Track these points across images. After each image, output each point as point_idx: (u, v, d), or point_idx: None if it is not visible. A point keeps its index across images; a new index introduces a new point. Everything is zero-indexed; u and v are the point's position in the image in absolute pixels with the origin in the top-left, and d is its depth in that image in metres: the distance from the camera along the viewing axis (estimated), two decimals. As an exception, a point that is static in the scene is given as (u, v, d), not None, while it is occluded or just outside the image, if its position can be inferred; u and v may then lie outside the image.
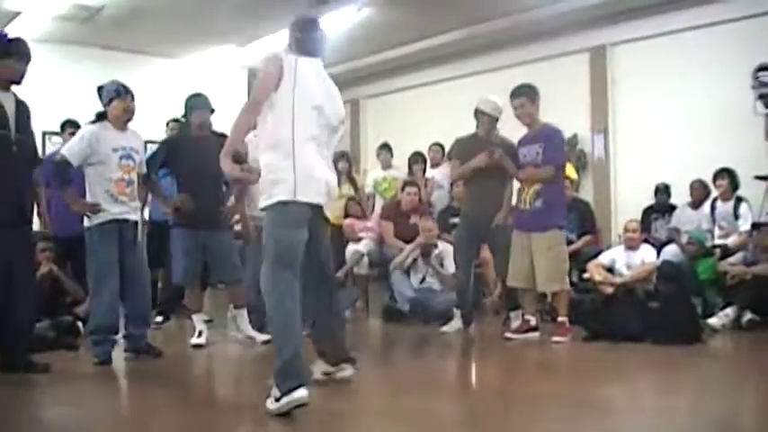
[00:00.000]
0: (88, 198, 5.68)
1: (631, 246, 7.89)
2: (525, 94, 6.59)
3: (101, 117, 5.78)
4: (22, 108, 5.18)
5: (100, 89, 5.82)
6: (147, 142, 7.38)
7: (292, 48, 4.36)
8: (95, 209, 5.58)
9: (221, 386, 5.54)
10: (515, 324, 6.80)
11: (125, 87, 5.76)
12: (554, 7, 9.75)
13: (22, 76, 5.14)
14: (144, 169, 6.01)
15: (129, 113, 5.78)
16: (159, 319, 7.50)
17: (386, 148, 10.44)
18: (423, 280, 8.00)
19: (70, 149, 5.66)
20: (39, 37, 10.72)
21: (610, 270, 7.80)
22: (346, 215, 9.21)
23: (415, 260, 7.99)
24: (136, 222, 5.80)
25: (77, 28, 10.48)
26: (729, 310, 6.97)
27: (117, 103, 5.71)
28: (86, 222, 5.67)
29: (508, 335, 6.60)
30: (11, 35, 5.28)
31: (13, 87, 5.18)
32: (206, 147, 6.33)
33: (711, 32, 9.18)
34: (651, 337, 6.13)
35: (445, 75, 12.13)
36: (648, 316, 6.34)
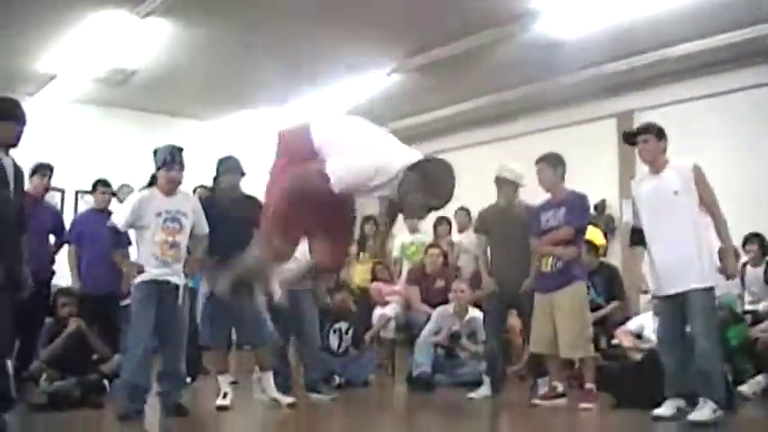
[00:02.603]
0: (136, 259, 5.96)
1: (660, 312, 7.81)
2: (545, 160, 6.62)
3: (153, 180, 6.02)
4: (18, 172, 5.19)
5: (155, 152, 6.02)
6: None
7: None
8: (139, 269, 5.84)
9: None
10: (543, 391, 6.73)
11: (173, 156, 5.94)
12: (581, 74, 9.83)
13: (18, 139, 5.12)
14: (203, 230, 6.17)
15: (173, 184, 5.98)
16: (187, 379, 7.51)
17: (412, 212, 10.46)
18: (451, 350, 7.99)
19: (118, 217, 6.01)
20: (75, 98, 10.99)
21: (638, 336, 7.70)
22: (373, 279, 9.23)
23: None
24: (177, 286, 5.93)
25: (112, 90, 10.68)
26: (761, 377, 6.87)
27: (162, 172, 5.95)
28: (132, 281, 5.93)
29: (535, 401, 6.53)
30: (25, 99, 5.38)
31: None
32: (236, 209, 6.41)
33: (743, 97, 9.20)
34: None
35: (472, 140, 12.17)
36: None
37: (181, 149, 6.03)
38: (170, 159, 5.93)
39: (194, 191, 7.93)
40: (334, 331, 8.17)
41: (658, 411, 5.57)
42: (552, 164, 6.62)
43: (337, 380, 7.78)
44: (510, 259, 6.87)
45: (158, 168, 5.96)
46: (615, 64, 9.61)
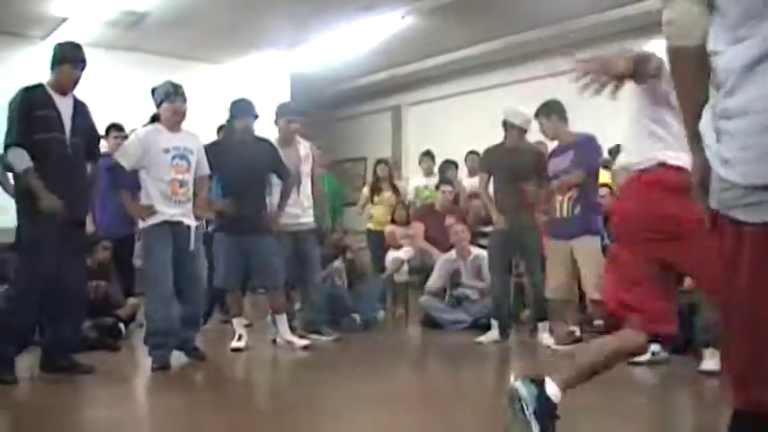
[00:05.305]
0: (143, 200, 5.68)
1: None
2: (538, 114, 6.59)
3: (154, 119, 5.86)
4: (79, 109, 5.19)
5: (153, 90, 5.83)
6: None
7: None
8: (150, 211, 5.60)
9: (257, 390, 5.55)
10: (545, 335, 6.76)
11: (176, 88, 5.75)
12: (592, 17, 9.72)
13: (75, 83, 5.15)
14: (205, 171, 5.97)
15: (178, 116, 5.75)
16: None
17: (428, 155, 10.44)
18: (456, 286, 8.01)
19: (122, 153, 5.74)
20: (86, 42, 10.85)
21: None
22: (392, 221, 9.25)
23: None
24: (189, 227, 5.74)
25: (124, 33, 10.61)
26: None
27: (166, 105, 5.71)
28: (141, 224, 5.72)
29: (554, 346, 6.52)
30: (62, 40, 5.30)
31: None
32: (249, 151, 6.39)
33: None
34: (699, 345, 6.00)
35: (488, 83, 12.10)
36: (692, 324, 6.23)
37: (180, 85, 5.84)
38: (173, 91, 5.73)
39: (218, 130, 7.89)
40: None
41: None
42: (545, 113, 6.54)
43: (358, 319, 7.90)
44: (515, 201, 6.82)
45: (160, 103, 5.75)
46: (632, 6, 9.47)
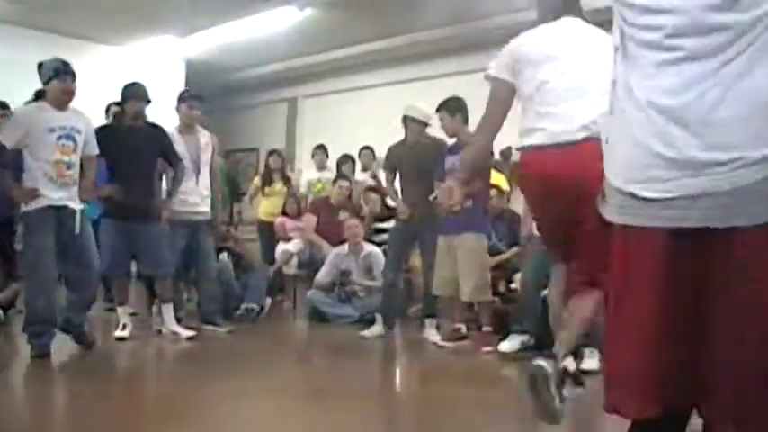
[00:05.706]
0: (27, 182, 5.37)
1: (559, 258, 7.95)
2: (444, 108, 6.67)
3: (39, 96, 5.59)
4: None
5: (40, 66, 5.51)
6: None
7: None
8: (33, 194, 5.30)
9: (137, 381, 5.42)
10: (432, 331, 6.85)
11: (65, 66, 5.45)
12: (497, 19, 9.84)
13: None
14: (93, 151, 5.72)
15: (67, 95, 5.47)
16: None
17: (322, 149, 10.45)
18: (347, 283, 8.04)
19: (3, 132, 5.45)
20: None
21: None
22: (283, 212, 9.21)
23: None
24: (75, 210, 5.47)
25: (11, 6, 10.23)
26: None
27: (55, 83, 5.40)
28: (23, 207, 5.41)
29: (440, 342, 6.60)
30: None
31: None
32: (139, 137, 6.27)
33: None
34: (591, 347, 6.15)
35: (385, 79, 12.13)
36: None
37: (69, 63, 5.53)
38: (62, 69, 5.41)
39: (107, 109, 7.70)
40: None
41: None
42: (451, 110, 6.65)
43: (255, 307, 7.91)
44: (419, 194, 6.86)
45: (48, 80, 5.42)
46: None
